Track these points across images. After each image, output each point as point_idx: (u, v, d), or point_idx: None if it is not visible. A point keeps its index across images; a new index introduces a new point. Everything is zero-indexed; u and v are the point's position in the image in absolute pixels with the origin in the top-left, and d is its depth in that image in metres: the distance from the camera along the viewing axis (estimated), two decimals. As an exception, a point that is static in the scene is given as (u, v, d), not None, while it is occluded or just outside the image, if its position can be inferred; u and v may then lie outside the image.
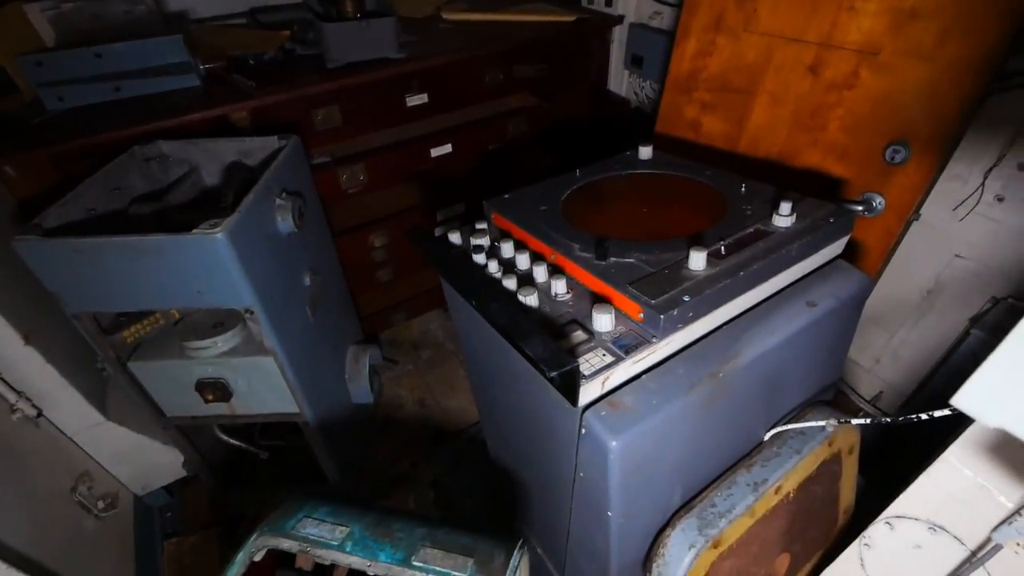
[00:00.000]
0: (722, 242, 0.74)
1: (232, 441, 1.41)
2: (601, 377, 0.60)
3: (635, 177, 1.03)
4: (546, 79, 1.83)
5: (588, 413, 0.61)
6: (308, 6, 1.49)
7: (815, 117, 1.06)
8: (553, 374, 0.56)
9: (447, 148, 1.64)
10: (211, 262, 0.94)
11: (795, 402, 0.84)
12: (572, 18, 1.78)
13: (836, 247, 0.80)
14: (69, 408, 1.20)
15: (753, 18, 1.14)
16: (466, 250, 0.87)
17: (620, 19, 1.86)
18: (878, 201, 0.99)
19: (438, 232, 1.78)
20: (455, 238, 0.91)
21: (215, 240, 0.91)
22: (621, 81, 2.04)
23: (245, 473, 1.57)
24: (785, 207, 0.75)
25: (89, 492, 1.19)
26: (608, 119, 2.00)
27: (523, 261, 0.81)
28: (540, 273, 0.77)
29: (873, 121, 0.97)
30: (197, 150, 1.26)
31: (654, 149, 1.09)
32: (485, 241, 0.87)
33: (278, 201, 1.10)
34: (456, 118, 1.74)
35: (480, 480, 1.46)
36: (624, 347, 0.62)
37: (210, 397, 1.18)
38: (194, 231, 0.91)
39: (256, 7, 1.86)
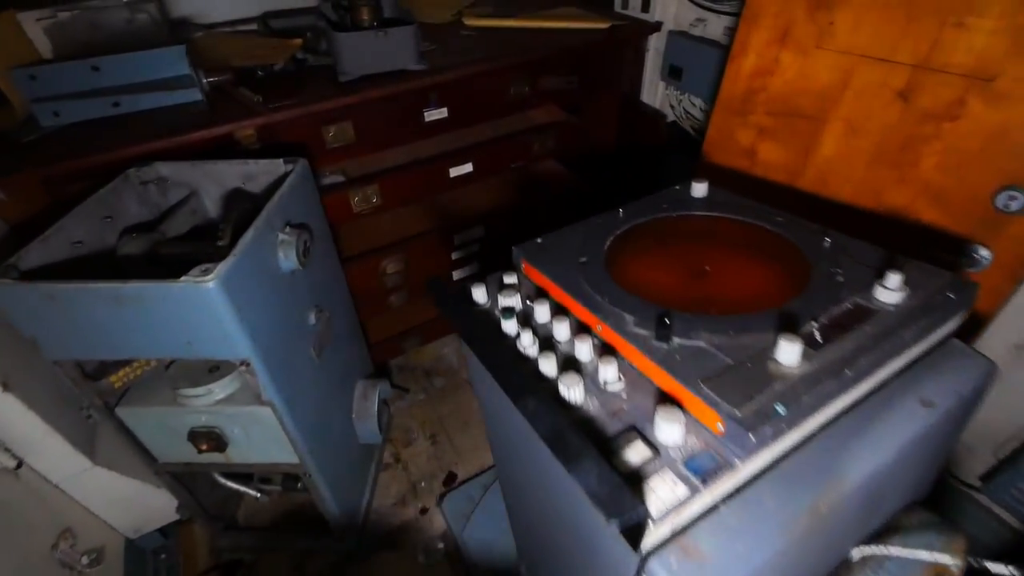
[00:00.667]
0: (815, 323, 0.59)
1: (229, 484, 1.31)
2: (672, 516, 0.46)
3: (691, 221, 0.89)
4: (575, 91, 1.68)
5: (653, 561, 0.47)
6: (321, 13, 1.37)
7: (905, 152, 0.90)
8: (614, 521, 0.42)
9: (467, 167, 1.51)
10: (201, 313, 0.82)
11: (891, 509, 0.69)
12: (606, 25, 1.64)
13: (951, 325, 0.65)
14: (54, 455, 1.09)
15: (828, 33, 0.99)
16: (493, 313, 0.74)
17: (658, 26, 1.71)
18: (983, 255, 0.84)
19: (457, 277, 1.66)
20: (479, 295, 0.77)
21: (206, 290, 0.79)
22: (655, 92, 1.89)
23: (243, 516, 1.47)
24: (894, 279, 0.60)
25: (72, 548, 1.09)
26: (640, 133, 1.85)
27: (562, 332, 0.68)
28: (584, 351, 0.63)
29: (982, 160, 0.81)
30: (197, 173, 1.15)
31: (709, 184, 0.95)
32: (515, 301, 0.74)
33: (281, 236, 0.98)
34: (477, 134, 1.62)
35: (496, 535, 1.33)
36: (701, 473, 0.49)
37: (204, 447, 1.07)
38: (183, 279, 0.79)
39: (269, 11, 1.74)
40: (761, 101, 1.14)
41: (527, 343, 0.66)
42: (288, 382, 1.01)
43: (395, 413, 1.77)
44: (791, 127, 1.10)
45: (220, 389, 1.03)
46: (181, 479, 1.23)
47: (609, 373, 0.60)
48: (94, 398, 0.98)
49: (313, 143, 1.35)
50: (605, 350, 0.64)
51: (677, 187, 1.00)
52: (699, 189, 0.95)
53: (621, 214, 0.92)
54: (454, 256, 1.64)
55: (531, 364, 0.64)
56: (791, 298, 0.65)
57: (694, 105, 1.75)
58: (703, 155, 1.31)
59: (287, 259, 0.99)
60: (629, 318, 0.64)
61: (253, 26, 1.67)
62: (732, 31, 1.54)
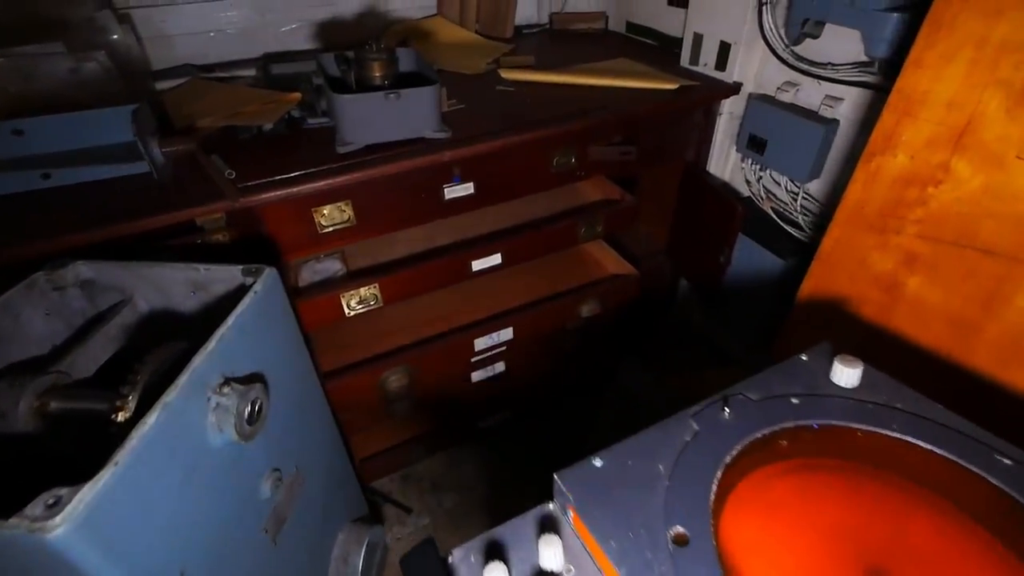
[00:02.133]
0: None
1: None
2: None
3: (847, 441, 0.55)
4: (631, 163, 1.37)
5: None
6: (320, 67, 1.10)
7: None
8: None
9: (495, 259, 1.20)
10: (52, 565, 0.51)
11: None
12: (674, 86, 1.33)
13: None
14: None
15: (1050, 141, 0.65)
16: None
17: (736, 88, 1.40)
18: None
19: (477, 379, 1.34)
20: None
21: (51, 541, 0.48)
22: (725, 162, 1.56)
23: None
24: None
25: None
26: (707, 212, 1.52)
27: None
28: None
29: None
30: (131, 276, 0.86)
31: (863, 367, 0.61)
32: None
33: (214, 399, 0.67)
34: (509, 214, 1.31)
35: None
36: None
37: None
38: (13, 521, 0.49)
39: (271, 53, 1.50)
40: (915, 219, 0.80)
41: None
42: (213, 607, 0.69)
43: (392, 543, 1.44)
44: (964, 262, 0.75)
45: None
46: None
47: None
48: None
49: (300, 227, 1.06)
50: None
51: (804, 357, 0.67)
52: (847, 375, 0.61)
53: (727, 415, 0.59)
54: (474, 360, 1.31)
55: None
56: None
57: (778, 184, 1.41)
58: (811, 275, 0.98)
59: (222, 432, 0.68)
60: None
61: (251, 72, 1.41)
62: (835, 100, 1.22)
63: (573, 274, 1.42)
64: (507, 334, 1.27)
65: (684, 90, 1.33)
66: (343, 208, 1.09)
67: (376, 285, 1.09)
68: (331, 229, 1.10)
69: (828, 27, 1.16)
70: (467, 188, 1.19)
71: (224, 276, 0.84)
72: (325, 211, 1.07)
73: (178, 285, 0.86)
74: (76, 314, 0.88)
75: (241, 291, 0.80)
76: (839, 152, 1.25)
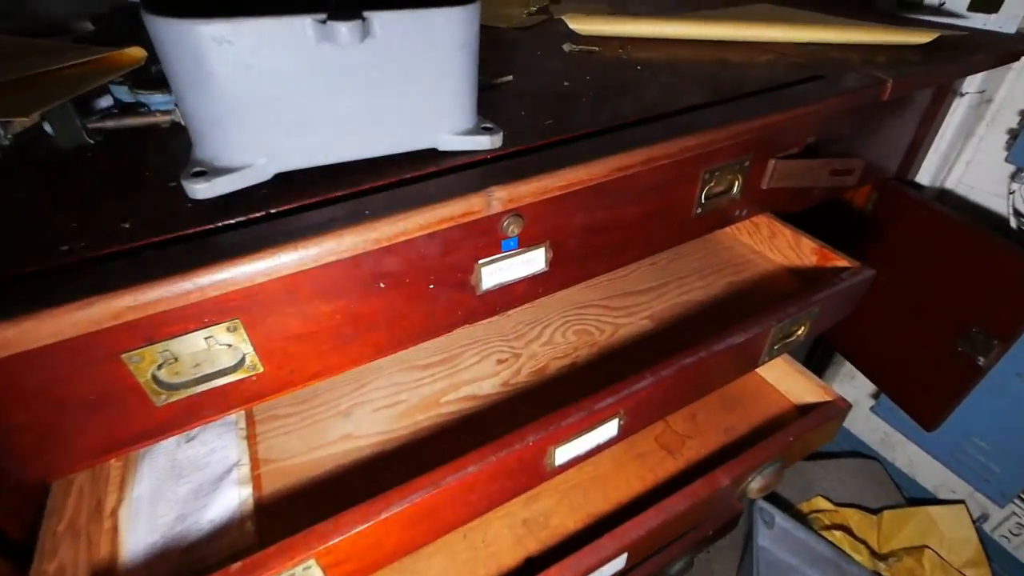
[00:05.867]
0: None
1: None
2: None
3: None
4: (846, 187, 0.70)
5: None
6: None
7: None
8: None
9: (607, 431, 0.52)
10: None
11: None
12: (926, 38, 0.67)
13: None
14: None
15: None
16: None
17: None
18: None
19: None
20: None
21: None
22: (944, 176, 0.91)
23: None
24: None
25: None
26: (936, 264, 0.85)
27: None
28: None
29: None
30: None
31: None
32: None
33: None
34: (612, 311, 0.63)
35: None
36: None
37: None
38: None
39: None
40: None
41: None
42: None
43: None
44: None
45: None
46: None
47: None
48: None
49: (109, 392, 0.38)
50: None
51: None
52: None
53: None
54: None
55: None
56: None
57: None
58: None
59: None
60: None
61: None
62: None
63: (716, 409, 0.74)
64: (615, 566, 0.59)
65: (942, 46, 0.67)
66: (226, 338, 0.40)
67: (312, 560, 0.40)
68: (197, 390, 0.41)
69: None
70: (531, 260, 0.51)
71: None
72: (178, 348, 0.39)
73: None
74: None
75: None
76: None
